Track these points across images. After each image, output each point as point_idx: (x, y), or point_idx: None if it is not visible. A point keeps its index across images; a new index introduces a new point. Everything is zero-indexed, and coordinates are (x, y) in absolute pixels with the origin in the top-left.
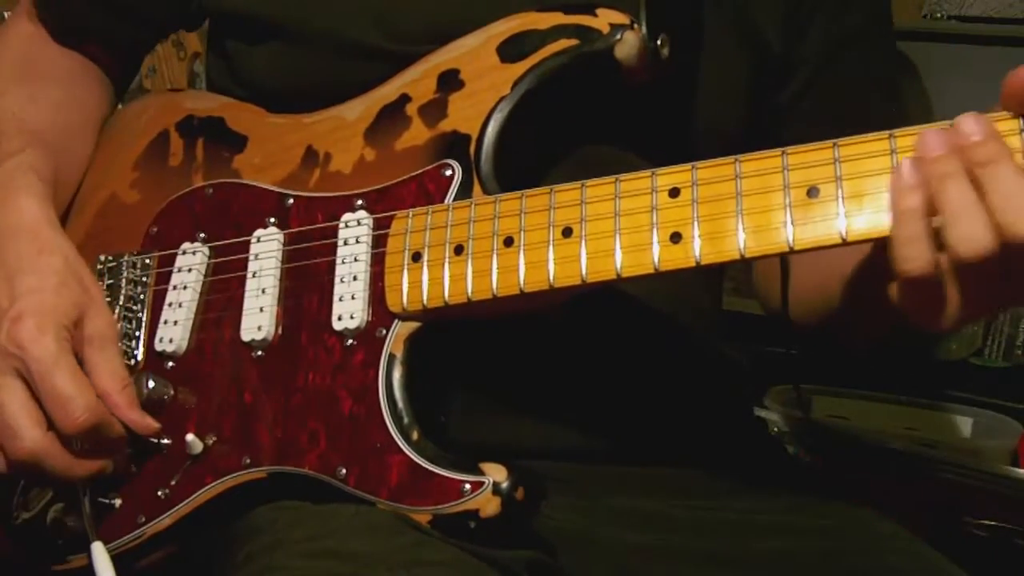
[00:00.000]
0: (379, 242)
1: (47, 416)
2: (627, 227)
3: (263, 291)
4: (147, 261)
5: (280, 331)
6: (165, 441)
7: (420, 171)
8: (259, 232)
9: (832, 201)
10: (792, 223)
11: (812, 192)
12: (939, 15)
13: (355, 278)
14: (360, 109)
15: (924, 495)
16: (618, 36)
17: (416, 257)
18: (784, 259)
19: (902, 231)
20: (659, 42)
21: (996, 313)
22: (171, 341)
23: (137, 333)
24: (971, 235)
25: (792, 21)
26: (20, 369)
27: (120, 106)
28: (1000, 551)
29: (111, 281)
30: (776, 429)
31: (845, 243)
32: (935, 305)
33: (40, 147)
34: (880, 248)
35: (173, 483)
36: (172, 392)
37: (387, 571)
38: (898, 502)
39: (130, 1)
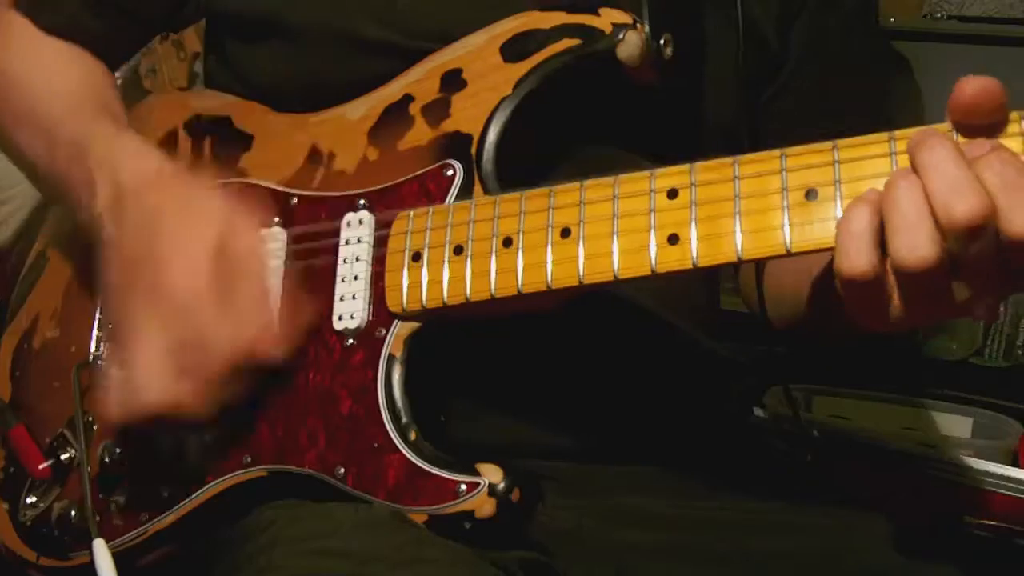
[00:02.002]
0: (381, 242)
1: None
2: (625, 228)
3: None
4: None
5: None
6: (167, 439)
7: (422, 171)
8: (263, 232)
9: (830, 203)
10: (790, 225)
11: (811, 194)
12: (939, 15)
13: (356, 278)
14: (364, 109)
15: (924, 495)
16: (620, 36)
17: (416, 257)
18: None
19: (847, 229)
20: (662, 42)
21: (942, 320)
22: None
23: None
24: (915, 244)
25: (785, 16)
26: (164, 314)
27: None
28: (1000, 551)
29: None
30: (776, 429)
31: None
32: (876, 307)
33: (108, 118)
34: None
35: (175, 481)
36: None
37: (387, 569)
38: (898, 502)
39: (122, 2)
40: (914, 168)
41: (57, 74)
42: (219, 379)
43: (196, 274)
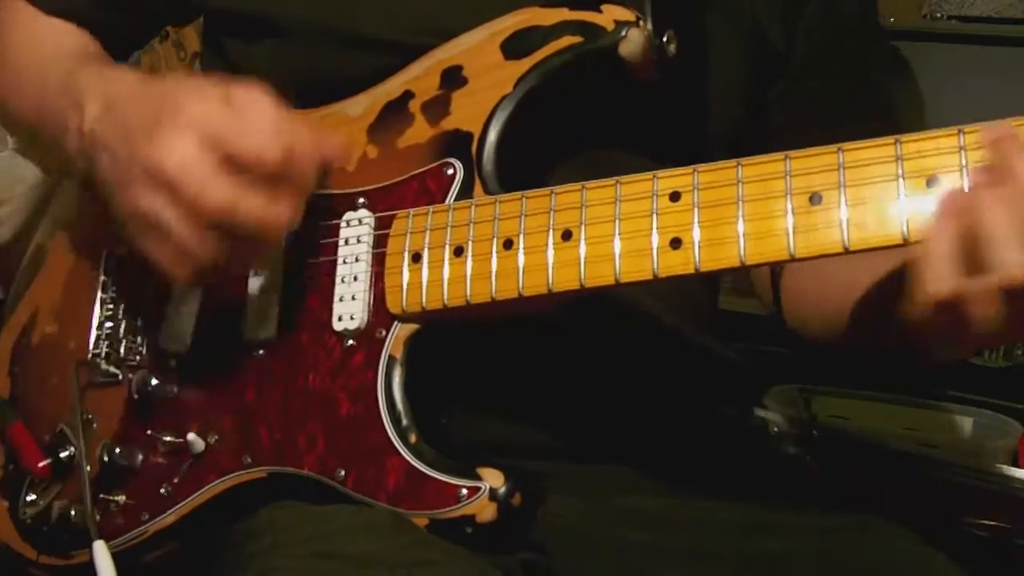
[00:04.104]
0: (380, 242)
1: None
2: (627, 231)
3: (265, 290)
4: None
5: (282, 331)
6: (167, 439)
7: (422, 169)
8: None
9: (835, 208)
10: (793, 230)
11: (815, 199)
12: (939, 15)
13: (356, 278)
14: (363, 105)
15: (924, 495)
16: (623, 33)
17: (416, 258)
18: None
19: (934, 250)
20: (665, 39)
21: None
22: (175, 339)
23: (142, 330)
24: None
25: (788, 17)
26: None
27: None
28: (1000, 551)
29: (116, 279)
30: (776, 429)
31: (847, 252)
32: (965, 328)
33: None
34: (902, 266)
35: (176, 481)
36: (175, 390)
37: (388, 572)
38: (898, 502)
39: None
40: (996, 173)
41: (51, 41)
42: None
43: (209, 98)
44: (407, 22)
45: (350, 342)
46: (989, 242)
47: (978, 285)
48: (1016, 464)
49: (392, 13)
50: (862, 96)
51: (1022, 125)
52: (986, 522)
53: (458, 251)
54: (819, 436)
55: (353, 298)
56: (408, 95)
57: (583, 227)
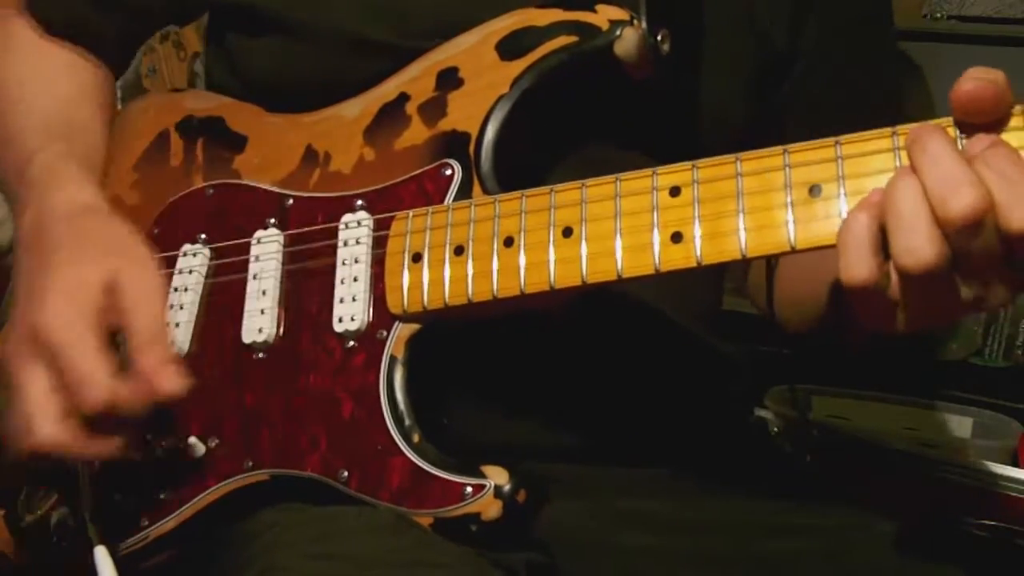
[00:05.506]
0: (379, 243)
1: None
2: (628, 227)
3: (264, 293)
4: None
5: (281, 333)
6: (167, 443)
7: (420, 171)
8: (259, 233)
9: (834, 199)
10: (794, 222)
11: (814, 191)
12: (939, 15)
13: (355, 279)
14: (359, 108)
15: (924, 495)
16: (618, 33)
17: (416, 258)
18: (769, 259)
19: (846, 238)
20: (659, 38)
21: (954, 320)
22: (172, 343)
23: None
24: (913, 246)
25: (796, 16)
26: (45, 353)
27: (119, 107)
28: (1000, 551)
29: None
30: (776, 429)
31: None
32: (884, 310)
33: (63, 141)
34: None
35: (176, 486)
36: None
37: (390, 572)
38: (898, 502)
39: None
40: (911, 166)
41: (48, 83)
42: (108, 423)
43: (77, 312)
44: (412, 26)
45: (351, 343)
46: (893, 229)
47: (887, 271)
48: (1016, 464)
49: (391, 17)
50: (873, 97)
51: (1019, 115)
52: (986, 522)
53: (458, 250)
54: (819, 436)
55: (353, 299)
56: (404, 97)
57: (584, 224)
